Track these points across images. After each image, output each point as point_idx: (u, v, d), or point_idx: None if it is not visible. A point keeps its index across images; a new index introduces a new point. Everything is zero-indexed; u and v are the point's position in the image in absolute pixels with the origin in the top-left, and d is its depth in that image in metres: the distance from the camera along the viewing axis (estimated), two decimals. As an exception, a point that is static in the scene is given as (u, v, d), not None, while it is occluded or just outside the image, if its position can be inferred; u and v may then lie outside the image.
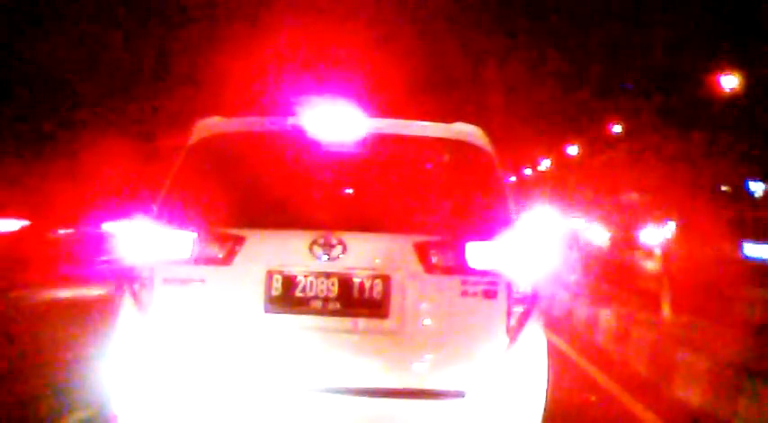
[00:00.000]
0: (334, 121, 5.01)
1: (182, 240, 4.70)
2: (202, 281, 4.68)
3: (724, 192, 37.52)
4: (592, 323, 12.94)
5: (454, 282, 4.67)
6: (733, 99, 30.38)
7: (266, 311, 4.64)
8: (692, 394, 7.96)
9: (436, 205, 5.05)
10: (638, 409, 8.17)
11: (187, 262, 4.69)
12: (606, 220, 42.32)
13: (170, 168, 5.02)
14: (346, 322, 4.64)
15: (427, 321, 4.70)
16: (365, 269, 4.66)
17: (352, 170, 5.18)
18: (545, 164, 57.40)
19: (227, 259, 4.68)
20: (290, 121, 5.09)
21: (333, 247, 4.65)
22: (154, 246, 4.72)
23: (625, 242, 37.68)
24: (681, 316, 12.20)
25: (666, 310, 12.41)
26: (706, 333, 9.96)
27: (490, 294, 4.67)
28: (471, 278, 4.67)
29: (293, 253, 4.66)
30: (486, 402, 4.61)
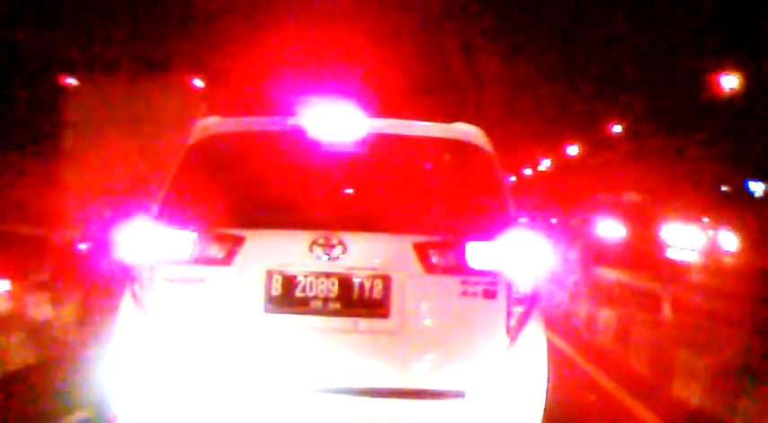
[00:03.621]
0: (334, 121, 5.01)
1: (182, 240, 4.70)
2: (202, 281, 4.68)
3: (724, 192, 37.46)
4: (592, 323, 12.94)
5: (454, 282, 4.68)
6: (733, 99, 30.38)
7: (266, 311, 4.65)
8: (692, 394, 7.95)
9: (436, 205, 5.05)
10: (638, 408, 8.16)
11: (187, 262, 4.69)
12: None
13: (170, 168, 5.03)
14: (346, 322, 4.64)
15: (427, 321, 4.70)
16: (365, 269, 4.66)
17: (352, 170, 5.18)
18: (545, 164, 57.42)
19: (227, 259, 4.68)
20: (290, 121, 5.09)
21: (333, 247, 4.65)
22: (154, 246, 4.72)
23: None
24: (681, 316, 12.19)
25: (666, 310, 12.39)
26: (706, 333, 9.96)
27: (490, 294, 4.67)
28: (471, 278, 4.67)
29: (293, 253, 4.67)
30: (486, 402, 4.61)
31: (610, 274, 14.82)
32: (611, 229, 29.50)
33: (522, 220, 5.02)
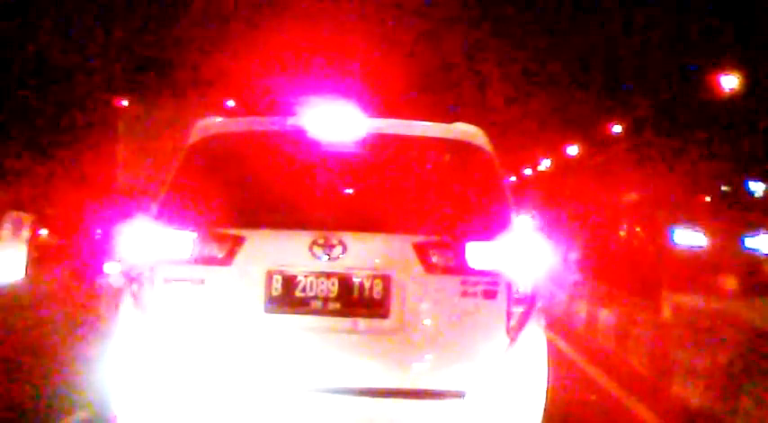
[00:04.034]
0: (335, 121, 5.01)
1: (182, 240, 4.70)
2: (202, 281, 4.68)
3: (724, 192, 37.47)
4: (592, 323, 12.94)
5: (454, 282, 4.68)
6: (733, 99, 30.37)
7: (266, 312, 4.65)
8: (691, 394, 7.96)
9: (436, 205, 5.05)
10: (638, 408, 8.17)
11: (187, 262, 4.69)
12: None
13: (170, 168, 5.03)
14: (346, 322, 4.64)
15: (427, 321, 4.70)
16: (365, 269, 4.66)
17: (352, 170, 5.17)
18: (545, 164, 57.37)
19: (227, 259, 4.68)
20: (290, 121, 5.09)
21: (333, 247, 4.65)
22: (154, 246, 4.72)
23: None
24: (681, 316, 12.18)
25: (666, 311, 12.39)
26: (706, 333, 9.96)
27: (490, 294, 4.67)
28: (471, 278, 4.67)
29: (293, 253, 4.66)
30: (486, 402, 4.61)
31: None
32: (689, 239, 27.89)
33: (522, 219, 5.02)
